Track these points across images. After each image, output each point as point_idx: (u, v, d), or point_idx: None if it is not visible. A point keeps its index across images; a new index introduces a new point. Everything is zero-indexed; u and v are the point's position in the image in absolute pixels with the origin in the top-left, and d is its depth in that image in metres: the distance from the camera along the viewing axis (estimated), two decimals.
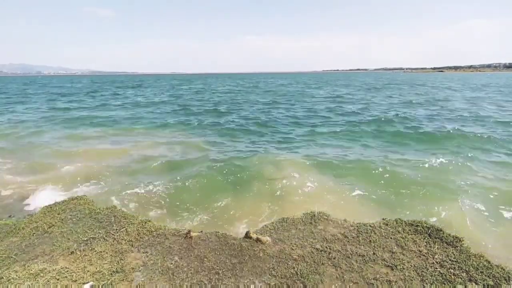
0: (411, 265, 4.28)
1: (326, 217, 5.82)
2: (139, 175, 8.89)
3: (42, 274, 4.04)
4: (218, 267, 4.29)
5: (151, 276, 4.09)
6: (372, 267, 4.26)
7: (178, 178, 8.63)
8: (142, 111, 23.38)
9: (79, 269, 4.19)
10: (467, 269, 4.15)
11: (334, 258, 4.44)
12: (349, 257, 4.48)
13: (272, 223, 5.66)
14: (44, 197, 7.20)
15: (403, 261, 4.36)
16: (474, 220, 6.12)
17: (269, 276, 4.09)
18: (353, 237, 5.05)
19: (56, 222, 5.67)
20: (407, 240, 4.93)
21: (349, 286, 3.89)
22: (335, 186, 7.97)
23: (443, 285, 3.89)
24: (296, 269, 4.21)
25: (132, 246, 4.84)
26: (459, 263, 4.28)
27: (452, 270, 4.14)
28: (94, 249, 4.72)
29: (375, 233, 5.15)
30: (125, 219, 5.75)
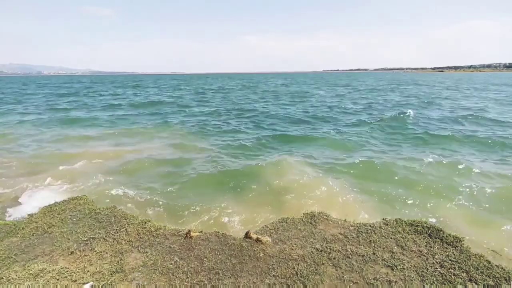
0: (411, 265, 4.28)
1: (326, 217, 5.83)
2: (139, 175, 8.89)
3: (42, 274, 4.04)
4: (218, 267, 4.29)
5: (151, 276, 4.09)
6: (372, 267, 4.26)
7: (178, 178, 8.64)
8: (142, 111, 23.39)
9: (79, 269, 4.19)
10: (467, 269, 4.16)
11: (334, 258, 4.44)
12: (349, 257, 4.48)
13: (272, 223, 5.66)
14: (43, 197, 7.20)
15: (403, 261, 4.36)
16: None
17: (269, 276, 4.09)
18: (353, 237, 5.05)
19: (56, 222, 5.67)
20: (407, 240, 4.93)
21: (349, 286, 3.89)
22: (336, 186, 7.97)
23: (443, 285, 3.89)
24: (296, 269, 4.21)
25: (132, 246, 4.83)
26: (459, 263, 4.29)
27: (452, 270, 4.14)
28: (94, 249, 4.72)
29: (375, 233, 5.15)
30: (125, 219, 5.75)
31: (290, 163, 9.84)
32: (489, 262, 4.31)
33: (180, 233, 5.24)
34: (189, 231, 5.15)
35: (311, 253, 4.58)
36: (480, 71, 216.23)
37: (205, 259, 4.48)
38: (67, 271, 4.13)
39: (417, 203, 6.96)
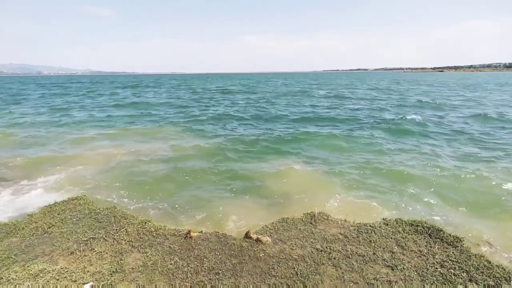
0: (411, 265, 4.28)
1: (326, 217, 5.82)
2: (139, 175, 8.87)
3: (42, 275, 4.03)
4: (218, 267, 4.28)
5: (151, 277, 4.08)
6: (372, 267, 4.26)
7: (178, 178, 8.63)
8: (141, 112, 23.39)
9: (79, 269, 4.19)
10: (467, 269, 4.15)
11: (334, 258, 4.43)
12: (349, 257, 4.47)
13: (272, 223, 5.66)
14: (43, 197, 7.19)
15: (404, 261, 4.35)
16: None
17: (269, 276, 4.09)
18: (353, 237, 5.04)
19: (56, 222, 5.67)
20: (408, 240, 4.93)
21: (350, 286, 3.88)
22: (336, 186, 7.96)
23: (444, 285, 3.88)
24: (296, 269, 4.21)
25: (132, 246, 4.83)
26: (459, 263, 4.28)
27: (452, 270, 4.14)
28: (94, 249, 4.72)
29: (375, 233, 5.15)
30: (125, 219, 5.75)
31: (291, 163, 9.83)
32: (489, 262, 4.31)
33: (180, 233, 5.24)
34: (189, 231, 5.15)
35: (311, 253, 4.58)
36: (480, 71, 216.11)
37: (205, 259, 4.47)
38: (67, 271, 4.13)
39: (417, 203, 6.95)
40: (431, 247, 4.74)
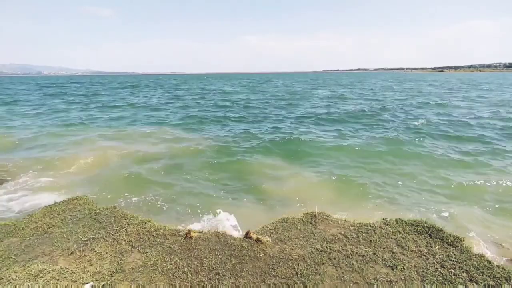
0: (411, 265, 4.28)
1: (326, 217, 5.82)
2: (139, 175, 8.87)
3: (42, 275, 4.03)
4: (218, 268, 4.28)
5: (151, 277, 4.08)
6: (372, 267, 4.25)
7: (178, 178, 8.63)
8: (141, 112, 23.37)
9: (79, 270, 4.19)
10: (467, 269, 4.15)
11: (335, 258, 4.43)
12: (349, 257, 4.47)
13: (272, 223, 5.65)
14: (43, 197, 7.19)
15: (404, 261, 4.35)
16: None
17: (270, 277, 4.09)
18: (354, 237, 5.04)
19: (56, 222, 5.67)
20: (408, 240, 4.93)
21: (350, 286, 3.88)
22: (337, 186, 7.96)
23: (444, 285, 3.88)
24: (296, 269, 4.21)
25: (132, 246, 4.83)
26: (459, 263, 4.28)
27: (452, 270, 4.13)
28: (94, 249, 4.72)
29: (375, 233, 5.15)
30: (125, 219, 5.75)
31: (291, 163, 9.83)
32: (490, 262, 4.31)
33: (180, 233, 5.24)
34: (189, 231, 5.15)
35: (311, 253, 4.58)
36: (480, 70, 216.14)
37: (205, 259, 4.47)
38: (67, 272, 4.13)
39: (417, 203, 6.95)
40: (431, 247, 4.74)
